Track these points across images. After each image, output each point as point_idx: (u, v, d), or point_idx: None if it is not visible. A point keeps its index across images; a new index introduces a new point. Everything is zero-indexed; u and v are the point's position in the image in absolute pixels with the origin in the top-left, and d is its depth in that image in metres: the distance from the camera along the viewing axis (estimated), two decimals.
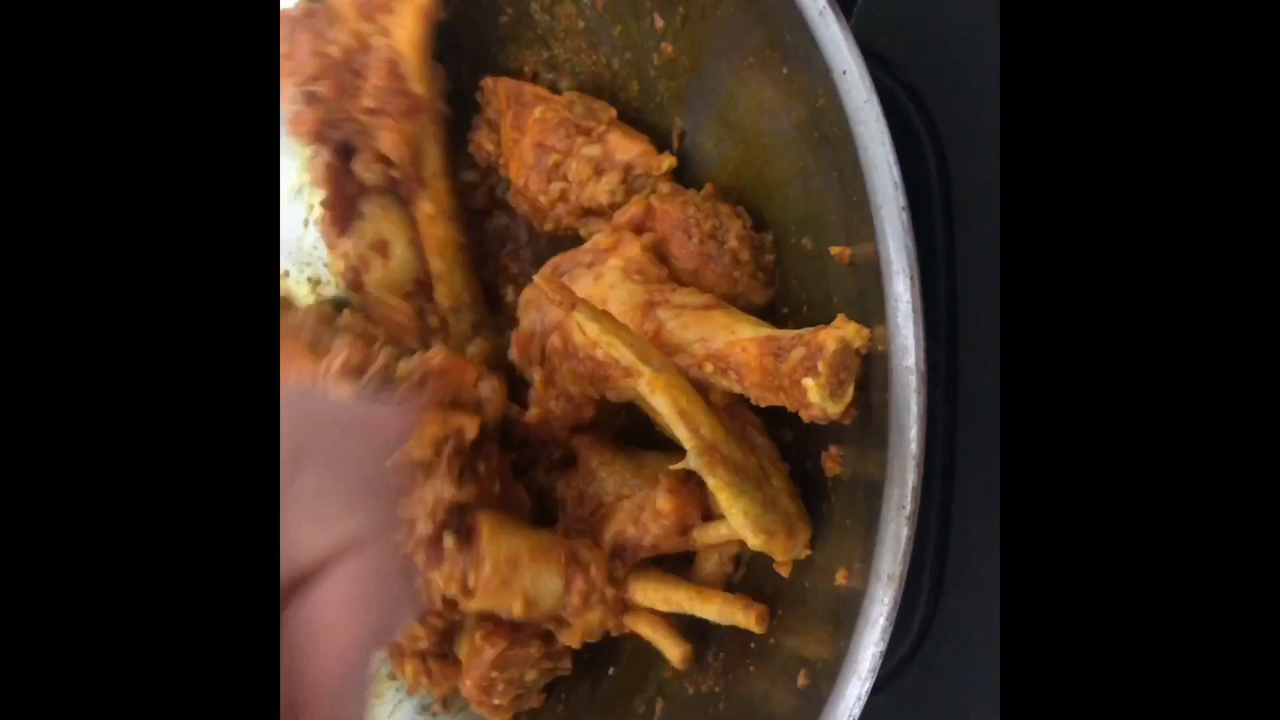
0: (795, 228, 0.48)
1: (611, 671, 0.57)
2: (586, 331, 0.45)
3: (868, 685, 0.39)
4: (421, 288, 0.63)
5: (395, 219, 0.62)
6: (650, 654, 0.54)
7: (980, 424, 0.52)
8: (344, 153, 0.59)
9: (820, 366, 0.41)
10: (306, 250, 0.70)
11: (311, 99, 0.56)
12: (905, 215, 0.37)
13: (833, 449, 0.46)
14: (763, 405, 0.45)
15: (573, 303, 0.45)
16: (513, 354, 0.53)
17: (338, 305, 0.70)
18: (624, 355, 0.45)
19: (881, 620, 0.39)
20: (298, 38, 0.56)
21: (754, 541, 0.44)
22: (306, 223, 0.69)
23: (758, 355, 0.44)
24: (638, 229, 0.50)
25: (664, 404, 0.44)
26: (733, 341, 0.45)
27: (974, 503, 0.52)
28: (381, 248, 0.61)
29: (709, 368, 0.46)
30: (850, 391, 0.42)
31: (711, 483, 0.44)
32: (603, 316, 0.45)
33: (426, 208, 0.58)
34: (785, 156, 0.47)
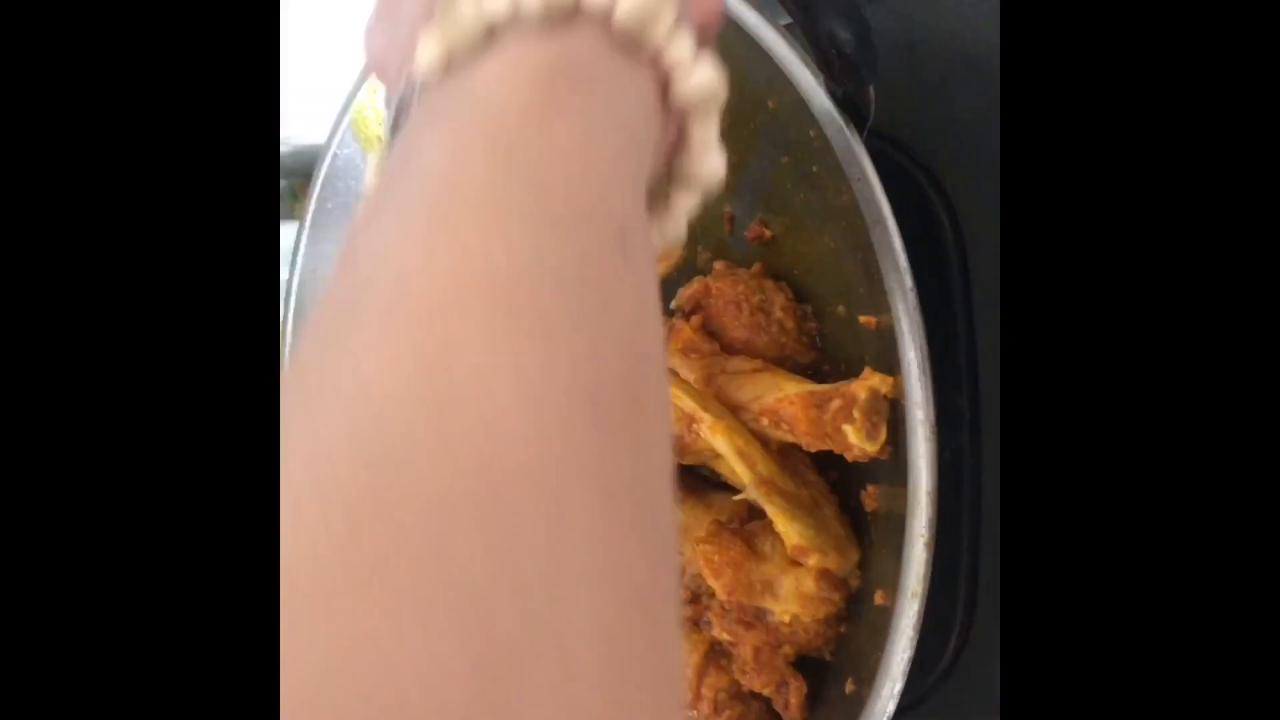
0: (832, 298, 0.56)
1: None
2: None
3: (899, 685, 0.46)
4: None
5: None
6: None
7: (999, 465, 0.59)
8: None
9: (855, 413, 0.49)
10: None
11: None
12: (913, 294, 0.45)
13: (870, 488, 0.54)
14: (813, 451, 0.53)
15: None
16: None
17: None
18: (687, 404, 0.53)
19: (909, 630, 0.46)
20: None
21: (811, 560, 0.52)
22: None
23: (802, 408, 0.52)
24: (695, 306, 0.59)
25: (723, 445, 0.52)
26: (781, 398, 0.54)
27: (997, 535, 0.60)
28: None
29: (764, 421, 0.54)
30: (884, 431, 0.50)
31: (769, 510, 0.52)
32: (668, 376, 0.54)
33: None
34: (820, 239, 0.55)
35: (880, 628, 0.49)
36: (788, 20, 0.53)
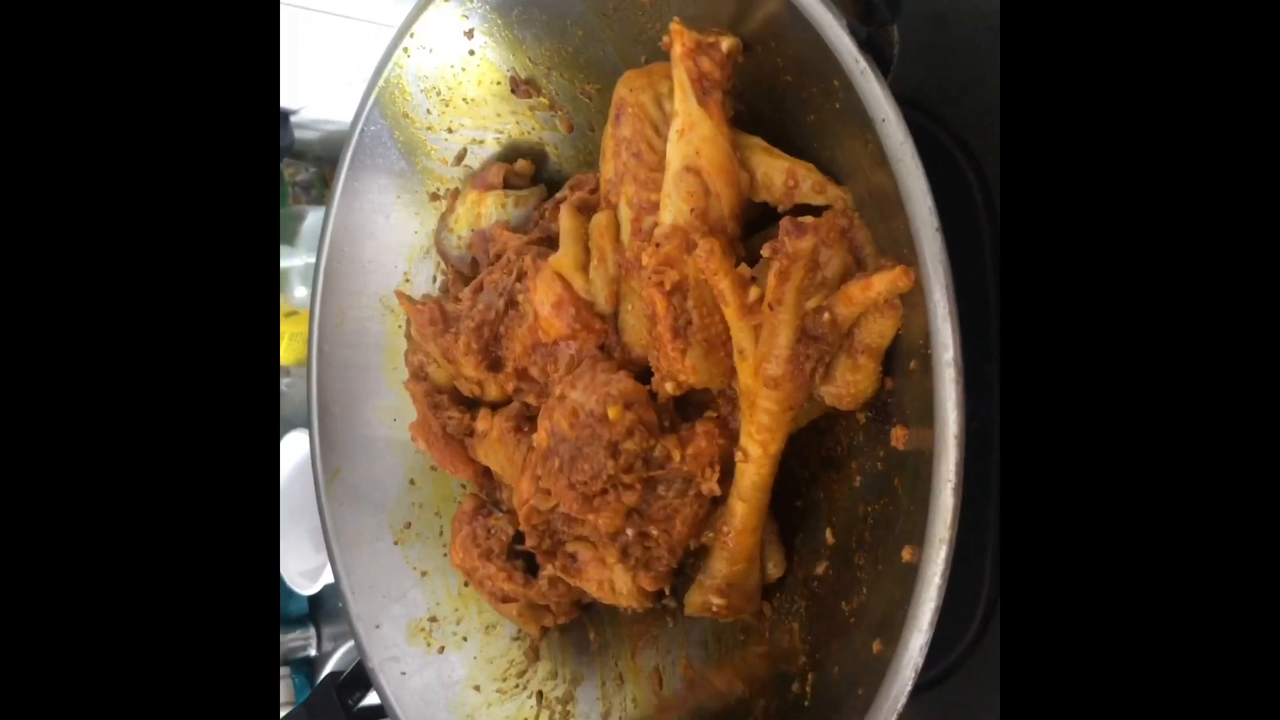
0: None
1: None
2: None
3: (927, 637, 0.45)
4: None
5: None
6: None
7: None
8: None
9: None
10: None
11: None
12: (939, 236, 0.44)
13: (897, 430, 0.52)
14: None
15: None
16: None
17: None
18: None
19: (936, 579, 0.44)
20: None
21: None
22: (435, 279, 0.80)
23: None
24: None
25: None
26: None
27: None
28: None
29: None
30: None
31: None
32: None
33: None
34: (851, 190, 0.55)
35: (908, 583, 0.48)
36: None
